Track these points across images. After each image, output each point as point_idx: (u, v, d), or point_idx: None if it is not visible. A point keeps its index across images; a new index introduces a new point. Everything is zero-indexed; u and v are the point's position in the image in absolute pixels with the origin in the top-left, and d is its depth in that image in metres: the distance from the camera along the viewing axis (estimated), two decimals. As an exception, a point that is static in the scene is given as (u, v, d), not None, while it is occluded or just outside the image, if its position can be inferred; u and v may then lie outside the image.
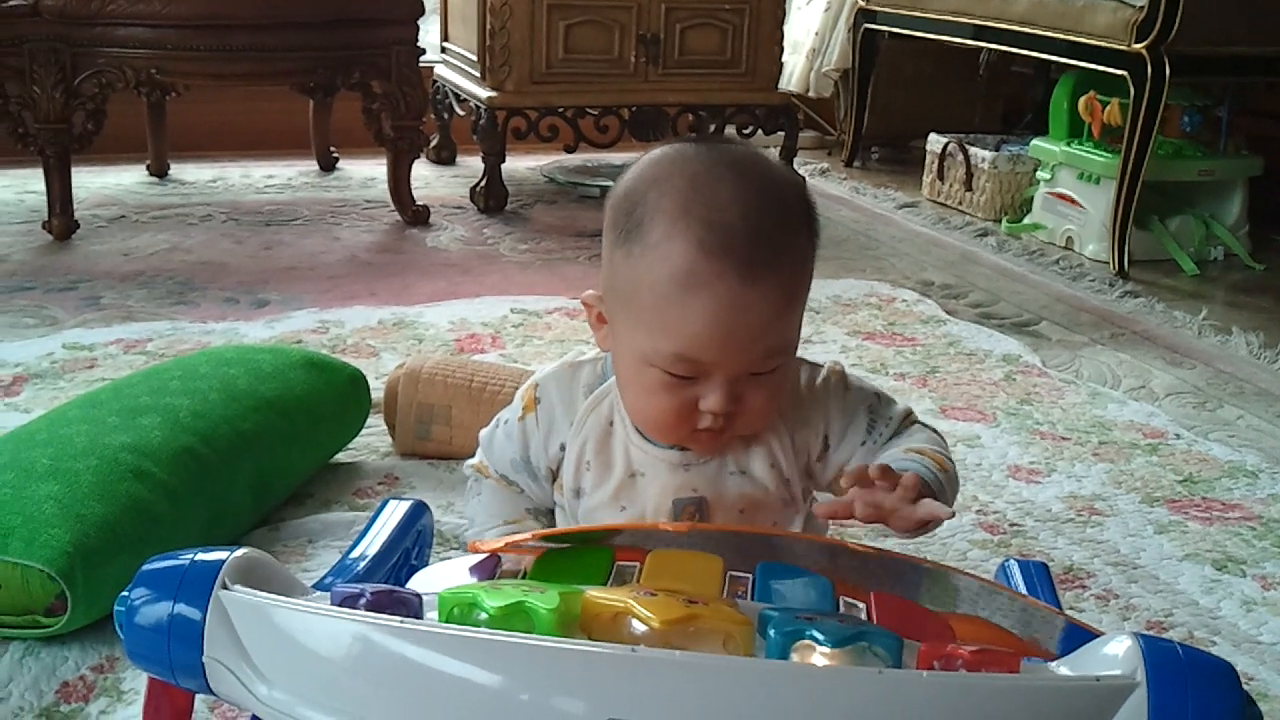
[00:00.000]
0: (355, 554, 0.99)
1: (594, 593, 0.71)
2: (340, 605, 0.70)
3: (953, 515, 0.87)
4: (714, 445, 0.93)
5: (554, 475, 1.00)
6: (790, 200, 0.89)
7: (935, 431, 0.99)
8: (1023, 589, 1.04)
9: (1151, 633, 1.12)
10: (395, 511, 1.07)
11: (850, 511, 0.86)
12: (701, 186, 0.85)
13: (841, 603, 0.80)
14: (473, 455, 1.10)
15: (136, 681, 0.96)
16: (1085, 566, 1.24)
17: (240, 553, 0.75)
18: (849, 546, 0.88)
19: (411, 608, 0.70)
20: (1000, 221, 2.75)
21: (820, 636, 0.66)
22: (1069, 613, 0.96)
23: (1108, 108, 2.46)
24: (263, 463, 1.24)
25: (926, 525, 0.87)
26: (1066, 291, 2.28)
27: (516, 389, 1.38)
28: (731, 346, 0.85)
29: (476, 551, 0.85)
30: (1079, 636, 0.79)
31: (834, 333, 1.96)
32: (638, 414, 0.93)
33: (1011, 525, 1.33)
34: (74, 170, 2.34)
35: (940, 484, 0.90)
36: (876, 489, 0.85)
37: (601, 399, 0.97)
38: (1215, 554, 1.28)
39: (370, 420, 1.46)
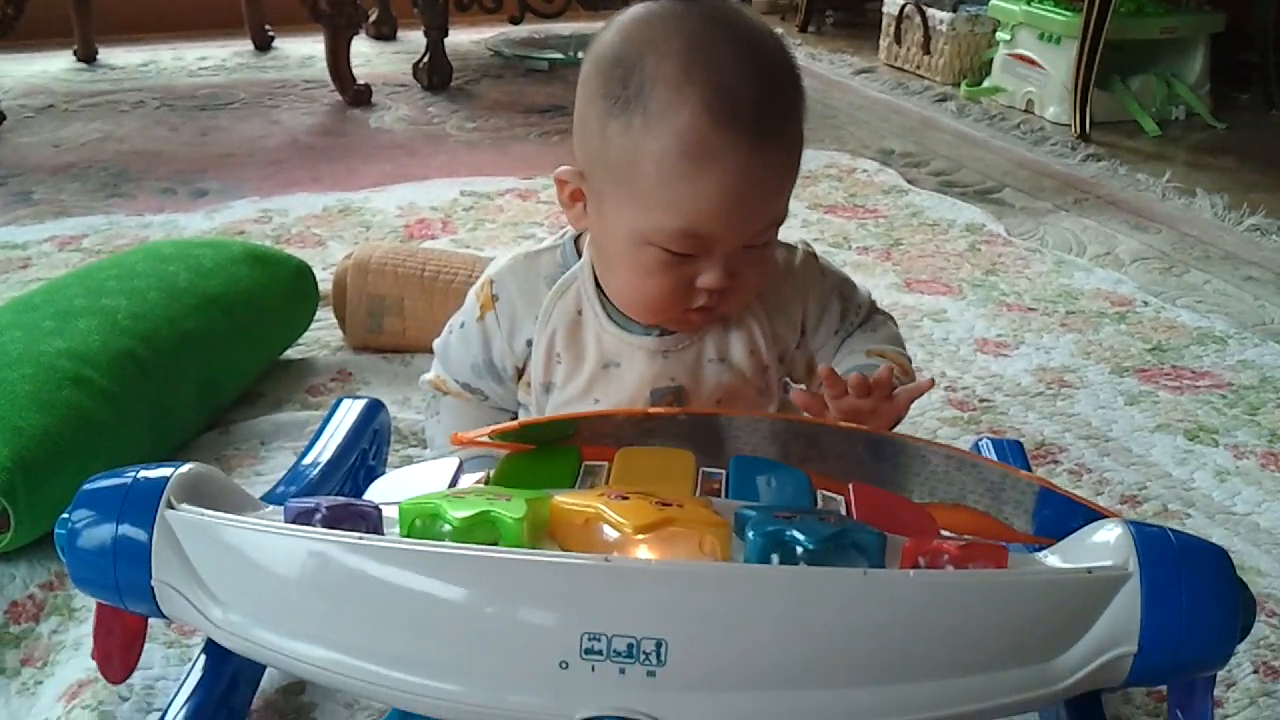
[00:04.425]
0: (309, 459, 0.95)
1: (562, 498, 0.67)
2: (294, 522, 0.66)
3: (932, 384, 0.89)
4: (701, 324, 0.90)
5: (520, 374, 0.96)
6: (784, 57, 0.85)
7: (891, 319, 1.00)
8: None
9: (1125, 507, 1.11)
10: (349, 412, 1.03)
11: (824, 409, 0.86)
12: (702, 47, 0.80)
13: (819, 496, 0.77)
14: (429, 347, 1.04)
15: (88, 598, 0.92)
16: (1057, 441, 1.23)
17: (185, 469, 0.71)
18: (825, 425, 0.86)
19: (370, 521, 0.66)
20: (959, 85, 2.69)
21: (801, 537, 0.63)
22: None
23: (1069, -36, 2.39)
24: (208, 363, 1.19)
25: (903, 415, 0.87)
26: (1028, 156, 2.24)
27: (470, 276, 1.34)
28: (737, 219, 0.82)
29: (459, 444, 0.81)
30: (1066, 508, 0.77)
31: (794, 206, 1.89)
32: (626, 296, 0.89)
33: (981, 401, 1.31)
34: (-5, 58, 2.24)
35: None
36: (850, 397, 0.84)
37: (566, 287, 0.92)
38: (1187, 424, 1.27)
39: (319, 314, 1.40)
